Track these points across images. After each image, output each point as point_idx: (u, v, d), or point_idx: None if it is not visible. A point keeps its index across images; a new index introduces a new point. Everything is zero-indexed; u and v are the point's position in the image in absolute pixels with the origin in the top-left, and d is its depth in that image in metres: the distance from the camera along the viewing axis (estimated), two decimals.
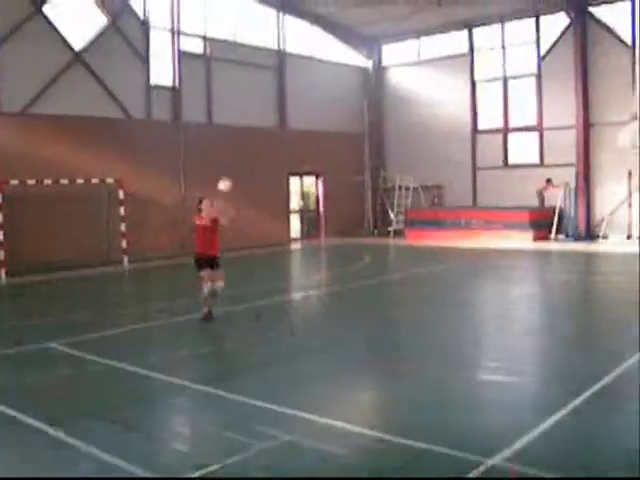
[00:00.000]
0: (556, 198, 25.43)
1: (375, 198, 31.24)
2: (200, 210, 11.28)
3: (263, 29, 26.75)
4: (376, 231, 30.43)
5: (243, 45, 25.79)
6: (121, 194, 20.56)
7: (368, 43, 30.95)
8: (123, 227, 20.54)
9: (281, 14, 27.24)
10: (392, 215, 30.04)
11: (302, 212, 29.03)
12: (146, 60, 22.61)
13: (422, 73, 30.25)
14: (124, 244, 20.56)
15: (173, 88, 23.45)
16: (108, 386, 8.10)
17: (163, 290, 16.59)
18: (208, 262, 11.21)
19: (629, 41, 24.68)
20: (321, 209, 29.19)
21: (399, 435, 6.05)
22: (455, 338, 10.20)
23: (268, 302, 13.01)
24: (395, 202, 29.91)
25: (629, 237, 24.40)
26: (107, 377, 8.46)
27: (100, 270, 19.46)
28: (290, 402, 7.00)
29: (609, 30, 25.14)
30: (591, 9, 25.41)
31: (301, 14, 27.75)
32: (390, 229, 29.61)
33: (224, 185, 11.53)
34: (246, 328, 10.91)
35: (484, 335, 10.79)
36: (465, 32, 28.62)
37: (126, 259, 20.55)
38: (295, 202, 28.56)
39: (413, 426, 6.33)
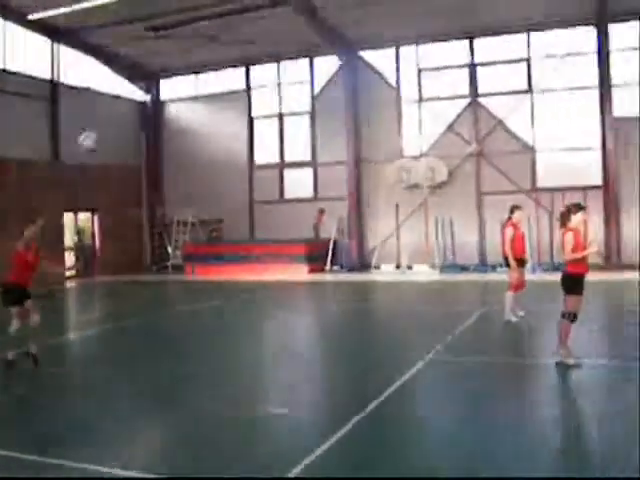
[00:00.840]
0: (331, 230, 26.54)
1: (153, 233, 30.84)
2: (24, 238, 10.30)
3: (36, 58, 25.68)
4: (155, 267, 29.98)
5: (13, 73, 24.59)
6: None
7: (146, 77, 30.70)
8: None
9: (55, 44, 26.37)
10: (170, 250, 29.78)
11: (77, 249, 27.90)
12: None
13: (201, 108, 30.48)
14: None
15: None
16: None
17: None
18: (19, 294, 10.34)
19: (394, 83, 26.69)
20: (97, 246, 28.27)
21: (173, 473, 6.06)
22: (237, 374, 10.27)
23: (37, 344, 12.29)
24: (173, 237, 29.71)
25: (398, 266, 25.98)
26: None
27: None
28: (58, 453, 6.61)
29: (377, 72, 26.97)
30: (361, 53, 27.09)
31: (77, 45, 26.96)
32: (168, 264, 29.36)
33: None
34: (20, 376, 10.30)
35: (264, 368, 10.91)
36: (243, 69, 29.29)
37: None
38: (70, 239, 27.44)
39: (183, 463, 6.33)
